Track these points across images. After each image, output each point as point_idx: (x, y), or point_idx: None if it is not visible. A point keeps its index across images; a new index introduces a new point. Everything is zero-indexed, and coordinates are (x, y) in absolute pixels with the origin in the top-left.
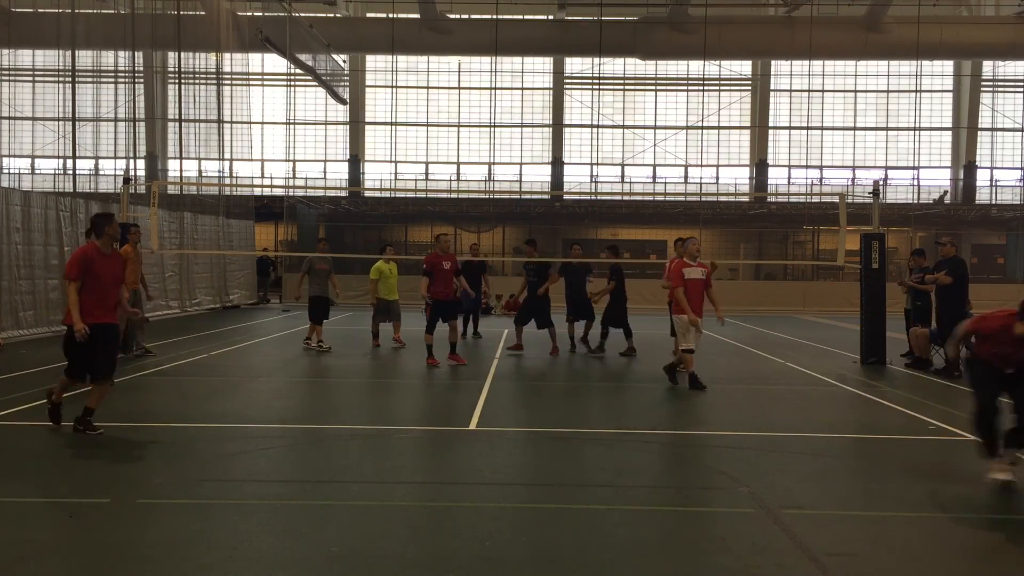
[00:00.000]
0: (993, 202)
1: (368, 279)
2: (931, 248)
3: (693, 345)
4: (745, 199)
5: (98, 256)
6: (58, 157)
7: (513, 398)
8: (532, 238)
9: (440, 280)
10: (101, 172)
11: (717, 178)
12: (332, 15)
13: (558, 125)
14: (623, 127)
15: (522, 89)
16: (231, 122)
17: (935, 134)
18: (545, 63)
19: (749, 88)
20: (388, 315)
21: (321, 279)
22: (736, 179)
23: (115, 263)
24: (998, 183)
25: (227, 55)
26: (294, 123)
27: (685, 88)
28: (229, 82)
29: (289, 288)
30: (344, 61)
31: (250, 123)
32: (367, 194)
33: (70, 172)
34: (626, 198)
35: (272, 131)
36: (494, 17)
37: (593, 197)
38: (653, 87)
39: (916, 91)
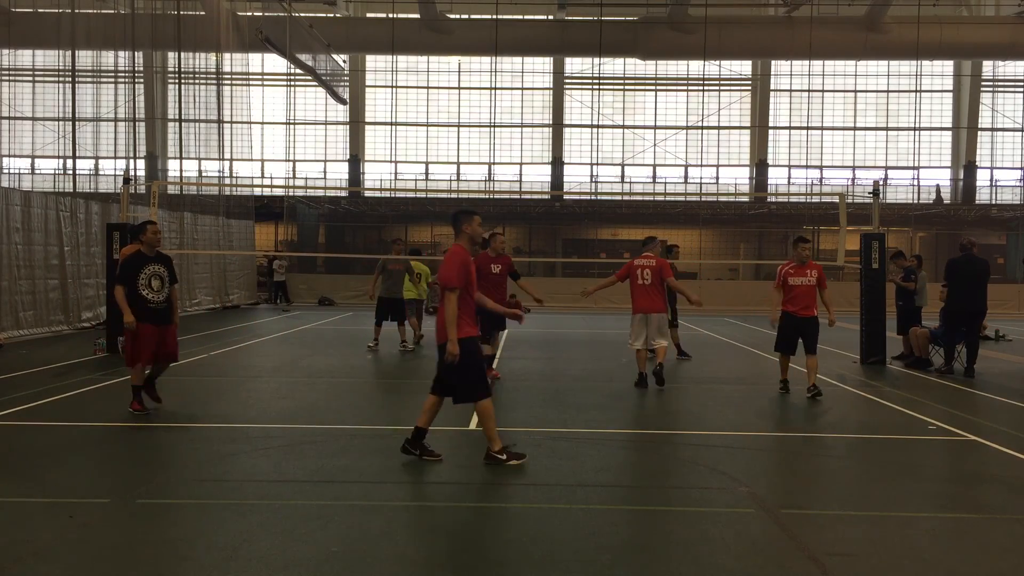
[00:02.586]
0: (993, 202)
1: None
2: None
3: (638, 344)
4: (745, 199)
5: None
6: (58, 157)
7: (513, 398)
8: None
9: (490, 285)
10: (101, 172)
11: (717, 178)
12: (332, 15)
13: (558, 125)
14: (623, 127)
15: (522, 89)
16: (231, 122)
17: (935, 134)
18: (545, 63)
19: (749, 88)
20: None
21: (395, 280)
22: (736, 179)
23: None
24: (998, 183)
25: (227, 55)
26: (294, 123)
27: (685, 88)
28: (229, 82)
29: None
30: (344, 61)
31: (250, 123)
32: (367, 194)
33: (70, 172)
34: (626, 198)
35: (272, 131)
36: (494, 17)
37: (593, 197)
38: (653, 87)
39: (916, 91)
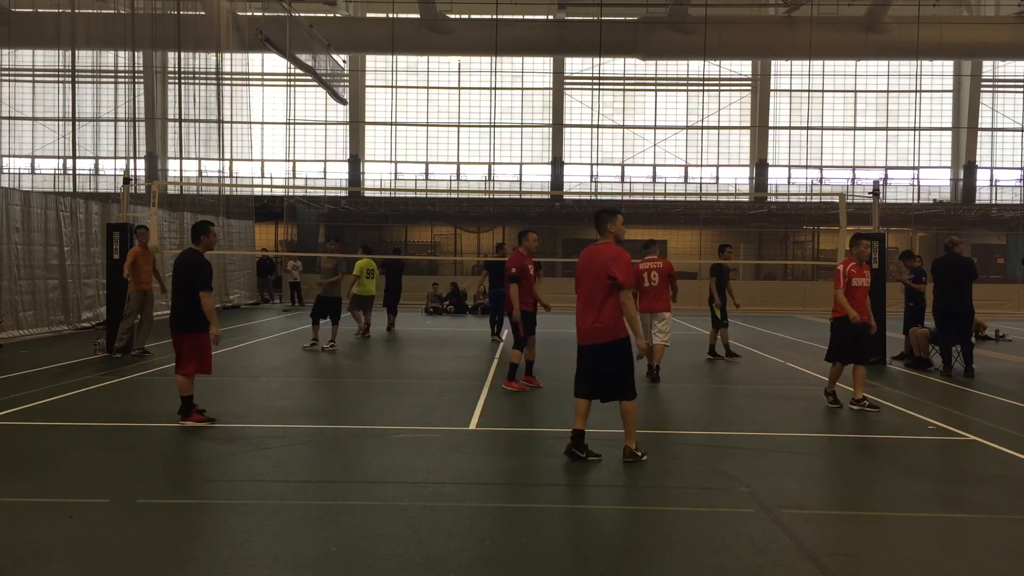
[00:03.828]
0: (993, 202)
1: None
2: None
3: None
4: (745, 199)
5: None
6: (58, 157)
7: (513, 398)
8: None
9: (530, 286)
10: (101, 172)
11: (717, 178)
12: (332, 15)
13: (558, 125)
14: (623, 127)
15: (522, 89)
16: (231, 122)
17: (935, 134)
18: (545, 63)
19: (749, 88)
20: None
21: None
22: (736, 179)
23: None
24: (998, 183)
25: (227, 55)
26: (294, 123)
27: (685, 88)
28: (229, 82)
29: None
30: (344, 61)
31: (250, 123)
32: (367, 194)
33: (70, 172)
34: (626, 198)
35: (272, 131)
36: (494, 17)
37: (593, 197)
38: (653, 87)
39: (916, 91)
